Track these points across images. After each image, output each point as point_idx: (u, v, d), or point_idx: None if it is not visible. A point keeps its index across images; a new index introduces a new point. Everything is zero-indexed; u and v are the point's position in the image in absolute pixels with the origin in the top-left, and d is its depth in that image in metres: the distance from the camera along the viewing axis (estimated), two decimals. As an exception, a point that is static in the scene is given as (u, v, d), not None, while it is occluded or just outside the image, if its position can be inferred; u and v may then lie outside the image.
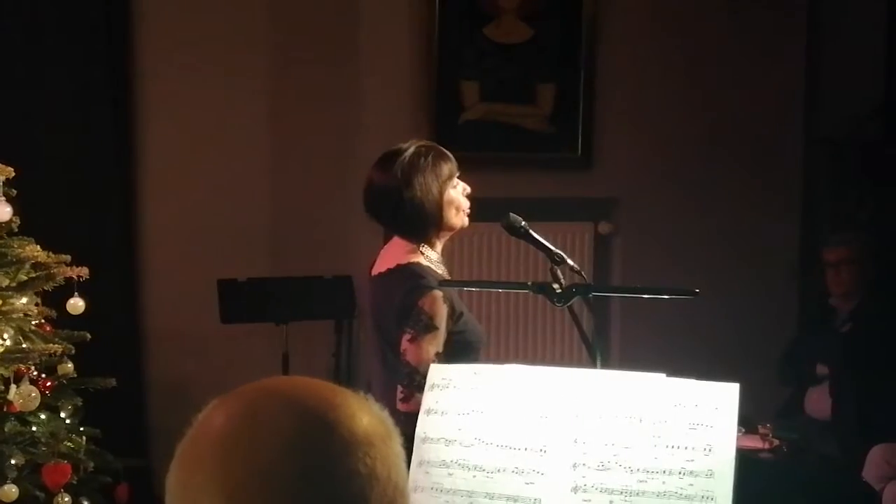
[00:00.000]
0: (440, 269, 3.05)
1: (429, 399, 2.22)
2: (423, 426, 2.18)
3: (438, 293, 2.90)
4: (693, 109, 5.37)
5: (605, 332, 5.26)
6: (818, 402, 4.64)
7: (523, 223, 2.88)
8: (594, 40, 5.23)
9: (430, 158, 3.01)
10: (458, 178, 3.07)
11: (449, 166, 3.04)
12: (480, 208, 3.15)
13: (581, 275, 2.76)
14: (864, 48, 5.50)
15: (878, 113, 5.39)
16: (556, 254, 2.73)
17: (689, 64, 5.36)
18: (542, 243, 2.80)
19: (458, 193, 3.05)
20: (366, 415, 1.13)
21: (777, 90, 5.45)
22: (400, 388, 2.89)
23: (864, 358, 4.46)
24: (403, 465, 1.15)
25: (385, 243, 3.20)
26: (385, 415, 1.16)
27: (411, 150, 3.02)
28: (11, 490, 3.25)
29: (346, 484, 1.07)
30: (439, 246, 3.11)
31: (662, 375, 2.10)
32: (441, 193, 3.00)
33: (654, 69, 5.33)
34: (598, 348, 2.54)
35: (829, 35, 5.50)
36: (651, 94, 5.34)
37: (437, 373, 2.26)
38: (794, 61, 5.46)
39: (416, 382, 2.83)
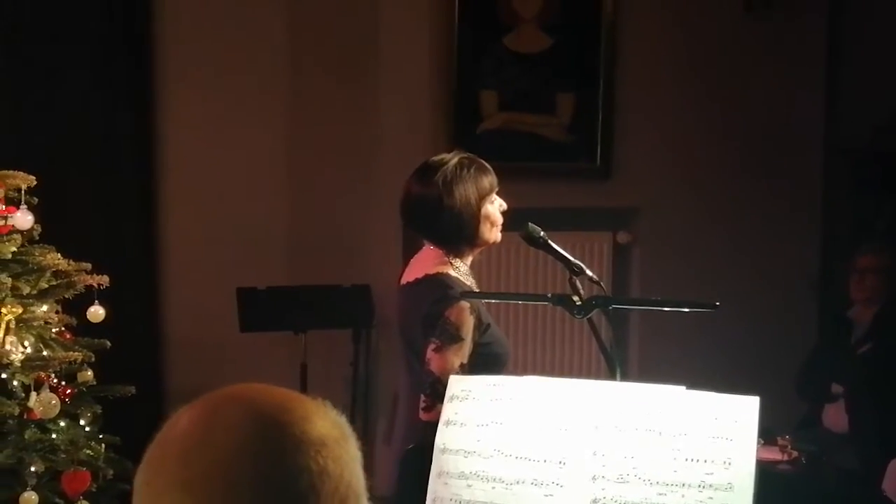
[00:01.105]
0: (469, 281, 3.05)
1: (448, 410, 2.22)
2: (443, 437, 2.18)
3: (466, 304, 2.90)
4: (712, 119, 5.36)
5: (623, 344, 5.25)
6: (835, 417, 4.62)
7: (542, 233, 2.88)
8: (613, 50, 5.23)
9: (472, 171, 3.02)
10: (497, 193, 3.08)
11: (490, 180, 3.05)
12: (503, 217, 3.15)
13: (600, 285, 2.76)
14: (883, 58, 5.48)
15: (897, 123, 5.37)
16: (575, 264, 2.73)
17: (708, 73, 5.35)
18: (560, 254, 2.80)
19: (494, 209, 3.06)
20: (320, 419, 1.19)
21: (797, 100, 5.44)
22: (423, 398, 2.88)
23: (883, 378, 4.44)
24: (359, 466, 1.20)
25: (405, 253, 3.20)
26: (342, 420, 1.22)
27: (454, 160, 3.02)
28: (31, 497, 3.26)
29: (297, 479, 1.13)
30: (469, 259, 3.11)
31: (682, 388, 2.09)
32: (479, 207, 3.01)
33: (672, 79, 5.32)
34: (616, 360, 2.53)
35: (849, 46, 5.49)
36: (670, 103, 5.34)
37: (457, 384, 2.25)
38: (814, 71, 5.44)
39: (439, 392, 2.82)
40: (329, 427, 1.18)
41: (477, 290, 3.09)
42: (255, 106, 5.04)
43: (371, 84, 5.08)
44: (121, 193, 4.94)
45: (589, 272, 2.73)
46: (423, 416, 2.86)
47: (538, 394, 2.16)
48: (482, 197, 3.02)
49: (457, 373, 2.84)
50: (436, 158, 3.05)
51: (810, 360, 4.90)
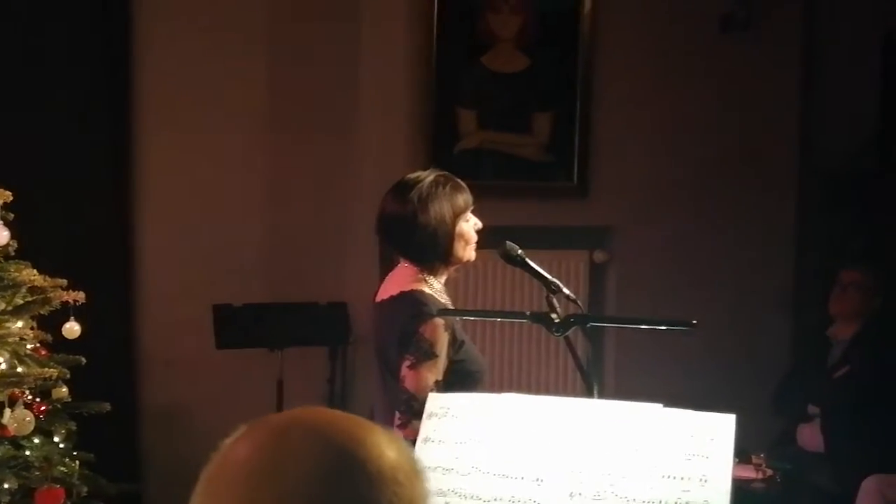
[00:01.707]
0: (443, 299, 3.06)
1: (426, 428, 2.22)
2: (421, 455, 2.18)
3: (440, 321, 2.91)
4: (689, 140, 5.40)
5: (600, 362, 5.26)
6: (810, 436, 4.64)
7: (520, 251, 2.89)
8: (590, 70, 5.26)
9: (447, 188, 3.03)
10: (472, 212, 3.09)
11: (465, 198, 3.06)
12: (478, 238, 3.16)
13: (577, 303, 2.77)
14: (857, 80, 5.54)
15: (871, 145, 5.42)
16: (552, 282, 2.74)
17: (684, 93, 5.39)
18: (538, 272, 2.81)
19: (469, 227, 3.07)
20: (394, 452, 1.13)
21: (772, 121, 5.49)
22: (398, 415, 2.89)
23: (860, 402, 4.47)
24: (428, 502, 1.15)
25: (381, 271, 3.21)
26: (413, 453, 1.17)
27: (430, 178, 3.04)
28: (5, 515, 3.24)
29: None
30: (444, 277, 3.12)
31: (659, 405, 2.11)
32: (454, 225, 3.02)
33: (649, 99, 5.36)
34: (593, 378, 2.54)
35: (824, 67, 5.54)
36: (647, 123, 5.37)
37: (435, 402, 2.26)
38: (789, 92, 5.49)
39: (413, 409, 2.83)
40: (403, 462, 1.12)
41: (453, 308, 3.10)
42: (232, 122, 5.03)
43: (349, 102, 5.09)
44: (97, 209, 4.92)
45: (566, 290, 2.74)
46: (398, 432, 2.86)
47: (516, 411, 2.17)
48: (457, 215, 3.03)
49: (432, 389, 2.84)
50: (411, 176, 3.07)
51: (787, 378, 4.93)
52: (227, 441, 1.14)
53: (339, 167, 5.09)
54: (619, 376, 5.28)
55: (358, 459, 1.09)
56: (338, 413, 1.17)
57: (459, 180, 3.10)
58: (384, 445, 1.12)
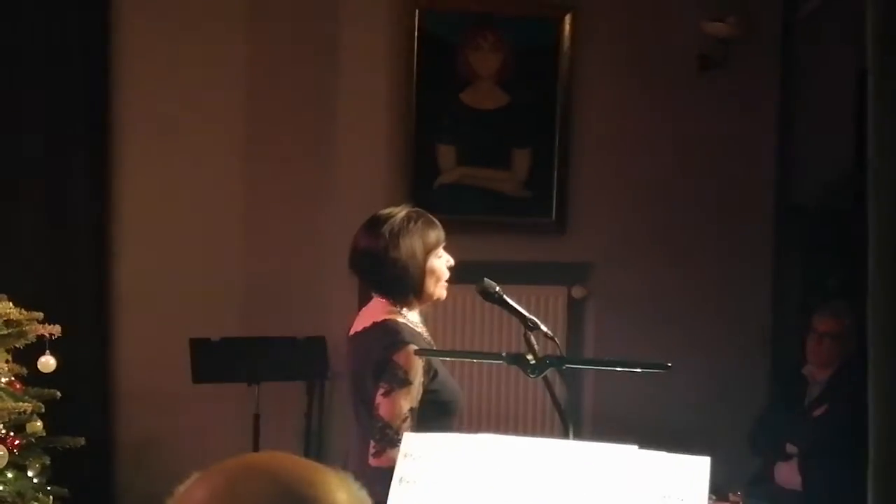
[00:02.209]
0: (419, 328, 3.08)
1: (401, 468, 2.22)
2: (397, 495, 2.17)
3: (413, 347, 2.92)
4: (667, 176, 5.43)
5: (577, 401, 5.26)
6: (788, 474, 4.64)
7: (497, 289, 2.90)
8: (569, 107, 5.29)
9: (419, 224, 3.05)
10: (445, 249, 3.10)
11: (437, 234, 3.07)
12: (455, 271, 3.17)
13: (555, 341, 2.78)
14: (834, 119, 5.59)
15: (847, 183, 5.46)
16: (530, 320, 2.75)
17: (663, 131, 5.42)
18: (516, 309, 2.82)
19: (441, 264, 3.08)
20: (344, 493, 1.15)
21: (749, 159, 5.52)
22: (372, 444, 2.88)
23: (838, 442, 4.46)
24: None
25: (360, 305, 3.21)
26: (364, 494, 1.18)
27: (402, 213, 3.06)
28: (-24, 551, 3.21)
29: None
30: (416, 312, 3.13)
31: (635, 447, 2.11)
32: (425, 260, 3.03)
33: (628, 136, 5.39)
34: (569, 418, 2.54)
35: (801, 106, 5.59)
36: (625, 160, 5.40)
37: (411, 442, 2.26)
38: (766, 130, 5.54)
39: (388, 437, 2.83)
40: (353, 502, 1.15)
41: (428, 336, 3.11)
42: (210, 157, 5.03)
43: (328, 137, 5.10)
44: (74, 243, 4.90)
45: (543, 328, 2.75)
46: (372, 461, 2.86)
47: (492, 452, 2.16)
48: (428, 251, 3.04)
49: (406, 417, 2.85)
50: (384, 211, 3.08)
51: (764, 418, 4.93)
52: (181, 487, 1.16)
53: (319, 201, 5.09)
54: (596, 415, 5.28)
55: (308, 500, 1.11)
56: (290, 457, 1.19)
57: (432, 216, 3.11)
58: (335, 488, 1.14)
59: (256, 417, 4.78)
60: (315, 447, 5.02)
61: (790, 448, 4.67)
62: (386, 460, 2.75)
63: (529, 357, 2.55)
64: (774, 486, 4.69)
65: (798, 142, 5.59)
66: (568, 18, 5.24)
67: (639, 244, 5.40)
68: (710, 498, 2.08)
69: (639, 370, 2.61)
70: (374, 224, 3.05)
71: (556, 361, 2.55)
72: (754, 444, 4.87)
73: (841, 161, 5.56)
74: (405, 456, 2.22)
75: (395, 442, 2.72)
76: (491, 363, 5.12)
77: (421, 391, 2.94)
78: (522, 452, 2.15)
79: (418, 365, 2.93)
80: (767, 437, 4.79)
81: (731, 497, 4.16)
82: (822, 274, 5.41)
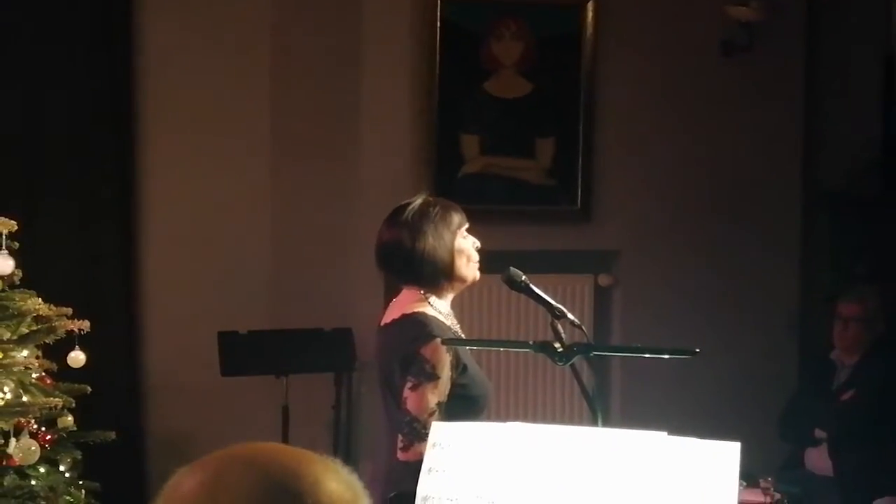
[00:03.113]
0: (449, 321, 3.06)
1: (430, 458, 2.22)
2: (425, 485, 2.18)
3: (440, 339, 2.91)
4: (692, 162, 5.40)
5: (605, 389, 5.25)
6: (818, 460, 4.63)
7: (523, 277, 2.89)
8: (592, 94, 5.27)
9: (438, 208, 3.05)
10: (471, 233, 3.10)
11: (458, 215, 3.07)
12: (480, 261, 3.16)
13: (582, 329, 2.77)
14: (861, 102, 5.55)
15: (875, 167, 5.42)
16: (557, 308, 2.73)
17: (688, 117, 5.39)
18: (542, 298, 2.81)
19: (468, 244, 3.08)
20: (331, 481, 1.14)
21: (775, 143, 5.49)
22: (400, 437, 2.88)
23: (867, 426, 4.45)
24: None
25: (386, 296, 3.21)
26: (353, 479, 1.18)
27: (419, 201, 3.06)
28: (10, 545, 3.24)
29: None
30: (450, 297, 3.12)
31: (664, 434, 2.10)
32: (451, 242, 3.03)
33: (652, 123, 5.37)
34: (598, 405, 2.53)
35: (827, 90, 5.55)
36: (650, 147, 5.37)
37: (439, 432, 2.25)
38: (792, 115, 5.50)
39: (416, 431, 2.83)
40: (342, 490, 1.15)
41: (458, 329, 3.10)
42: (235, 151, 5.04)
43: (352, 129, 5.10)
44: (102, 237, 4.93)
45: (570, 316, 2.74)
46: (400, 455, 2.86)
47: (520, 440, 2.16)
48: (452, 232, 3.04)
49: (434, 411, 2.85)
50: (402, 203, 3.08)
51: (792, 404, 4.91)
52: (171, 480, 1.17)
53: (343, 193, 5.10)
54: (624, 403, 5.27)
55: (294, 492, 1.11)
56: (277, 447, 1.20)
57: (450, 201, 3.12)
58: (321, 475, 1.14)
59: (285, 409, 4.80)
60: (343, 439, 5.03)
61: (819, 433, 4.65)
62: (413, 454, 2.76)
63: (557, 345, 2.54)
64: (805, 471, 4.68)
65: (824, 127, 5.55)
66: (590, 5, 5.22)
67: (665, 231, 5.38)
68: (740, 484, 2.07)
69: (666, 356, 2.60)
70: (394, 217, 3.06)
71: (584, 349, 2.54)
72: (783, 431, 4.85)
73: (868, 146, 5.52)
74: (433, 446, 2.22)
75: (422, 436, 2.71)
76: (518, 352, 5.11)
77: (449, 385, 2.93)
78: (551, 440, 2.14)
79: (446, 359, 2.92)
80: (796, 422, 4.77)
81: (762, 483, 4.16)
82: (850, 260, 5.38)
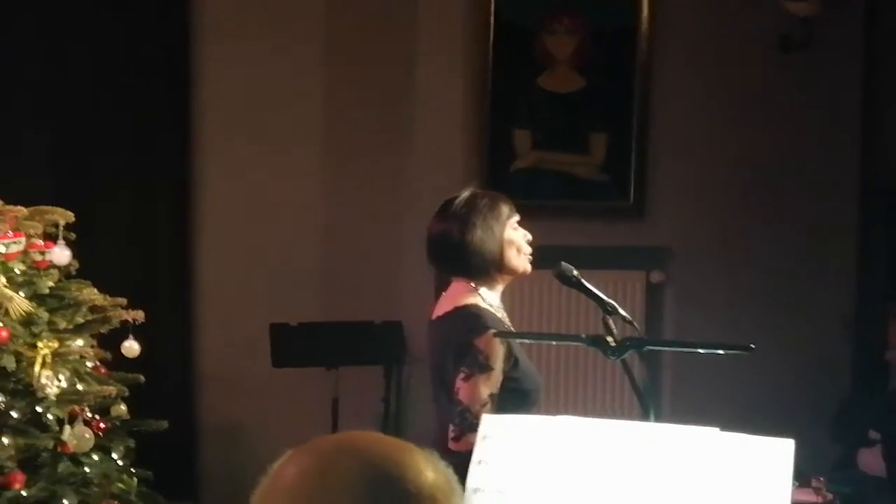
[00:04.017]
0: (500, 314, 3.06)
1: (481, 450, 2.21)
2: (475, 477, 2.17)
3: (493, 331, 2.90)
4: (747, 160, 5.34)
5: (657, 384, 5.21)
6: (871, 460, 4.57)
7: (575, 272, 2.87)
8: (647, 90, 5.24)
9: (486, 200, 3.05)
10: (526, 227, 3.10)
11: (506, 206, 3.07)
12: (532, 256, 3.16)
13: (634, 325, 2.75)
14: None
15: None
16: (609, 304, 2.71)
17: (743, 113, 5.33)
18: (593, 293, 2.79)
19: (518, 235, 3.07)
20: (431, 472, 1.19)
21: (832, 140, 5.41)
22: (452, 428, 2.88)
23: None
24: None
25: (436, 289, 3.21)
26: (450, 472, 1.22)
27: (467, 193, 3.07)
28: (64, 531, 3.27)
29: None
30: (500, 289, 3.11)
31: (716, 429, 2.08)
32: (501, 233, 3.02)
33: (706, 119, 5.32)
34: (650, 401, 2.52)
35: (885, 86, 5.46)
36: (703, 143, 5.32)
37: (490, 424, 2.25)
38: (850, 112, 5.41)
39: (467, 421, 2.82)
40: (441, 482, 1.19)
41: (508, 322, 3.10)
42: (290, 144, 5.08)
43: (405, 123, 5.11)
44: (156, 229, 4.99)
45: (622, 312, 2.72)
46: (452, 445, 2.85)
47: (571, 434, 2.15)
48: (502, 223, 3.03)
49: (486, 402, 2.84)
50: (451, 198, 3.09)
51: (846, 405, 4.85)
52: (275, 465, 1.20)
53: (395, 186, 5.11)
54: (675, 399, 5.23)
55: (397, 481, 1.15)
56: (380, 437, 1.24)
57: (498, 193, 3.12)
58: (423, 466, 1.18)
59: (335, 402, 4.82)
60: (393, 432, 5.04)
61: (873, 434, 4.60)
62: (465, 444, 2.75)
63: (609, 339, 2.52)
64: (857, 472, 4.62)
65: (883, 124, 5.47)
66: (645, 0, 5.19)
67: (718, 229, 5.32)
68: (792, 483, 2.04)
69: (721, 352, 2.57)
70: (444, 210, 3.06)
71: (637, 343, 2.52)
72: (836, 431, 4.80)
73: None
74: (484, 438, 2.22)
75: (474, 427, 2.70)
76: (569, 347, 5.09)
77: (501, 378, 2.93)
78: (602, 434, 2.13)
79: (499, 351, 2.92)
80: (850, 423, 4.72)
81: (814, 483, 4.11)
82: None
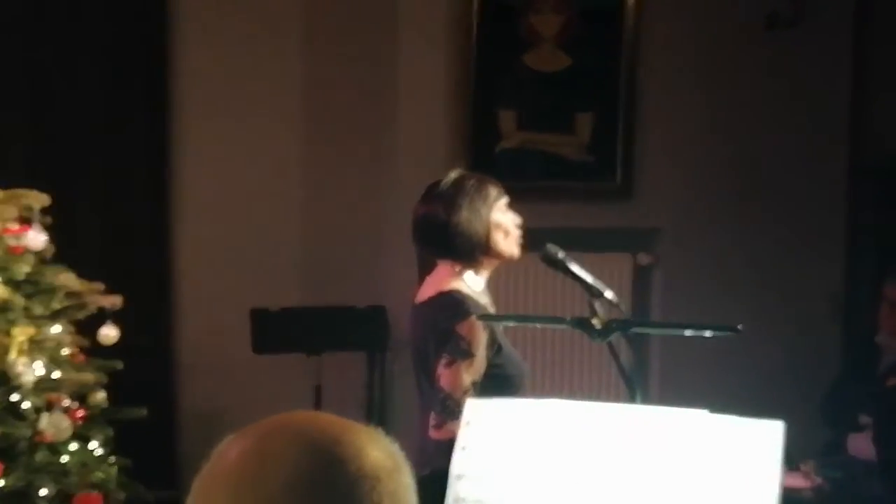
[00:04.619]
0: (484, 300, 3.02)
1: (464, 435, 2.17)
2: (459, 463, 2.13)
3: (476, 316, 2.87)
4: (735, 139, 5.31)
5: (644, 367, 5.18)
6: (861, 445, 4.54)
7: (561, 254, 2.83)
8: (633, 69, 5.19)
9: (474, 181, 3.03)
10: (514, 209, 3.06)
11: (494, 189, 3.04)
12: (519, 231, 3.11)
13: (619, 308, 2.70)
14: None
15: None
16: (595, 286, 2.67)
17: (730, 92, 5.30)
18: (579, 275, 2.75)
19: (506, 219, 3.03)
20: (374, 449, 1.16)
21: (820, 120, 5.38)
22: (433, 415, 2.86)
23: None
24: (412, 496, 1.18)
25: (420, 273, 3.16)
26: (395, 448, 1.20)
27: (455, 175, 3.04)
28: (41, 521, 3.23)
29: None
30: (485, 274, 3.07)
31: (705, 412, 2.04)
32: (487, 215, 2.98)
33: (694, 98, 5.28)
34: (636, 384, 2.48)
35: (874, 65, 5.43)
36: (691, 124, 5.29)
37: (474, 409, 2.20)
38: (838, 91, 5.38)
39: (449, 409, 2.79)
40: (383, 458, 1.17)
41: (492, 308, 3.06)
42: (269, 126, 5.04)
43: (388, 103, 5.06)
44: (134, 214, 4.96)
45: (609, 294, 2.67)
46: (433, 433, 2.83)
47: (557, 417, 2.11)
48: (488, 205, 2.99)
49: (468, 389, 2.82)
50: (437, 180, 3.06)
51: (835, 388, 4.83)
52: (217, 448, 1.19)
53: (378, 168, 5.07)
54: (663, 382, 5.21)
55: (337, 460, 1.13)
56: (321, 416, 1.22)
57: (486, 175, 3.09)
58: (364, 444, 1.16)
59: (318, 388, 4.78)
60: (376, 418, 5.00)
61: (863, 419, 4.57)
62: (447, 432, 2.72)
63: (594, 321, 2.48)
64: (847, 456, 4.60)
65: (872, 104, 5.43)
66: (632, -22, 5.14)
67: (706, 209, 5.29)
68: (782, 468, 2.01)
69: (708, 334, 2.53)
70: (429, 191, 3.04)
71: (622, 325, 2.48)
72: (826, 415, 4.78)
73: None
74: (468, 424, 2.17)
75: (455, 414, 2.67)
76: (554, 331, 5.06)
77: (484, 365, 2.90)
78: (589, 417, 2.09)
79: (482, 337, 2.89)
80: (840, 407, 4.69)
81: (803, 467, 4.10)
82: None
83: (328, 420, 1.20)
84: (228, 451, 1.17)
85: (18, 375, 3.28)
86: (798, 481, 4.08)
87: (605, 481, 2.01)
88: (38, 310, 3.47)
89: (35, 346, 3.37)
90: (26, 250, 3.47)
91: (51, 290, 3.51)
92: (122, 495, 3.54)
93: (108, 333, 3.58)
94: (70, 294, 3.56)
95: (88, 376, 3.44)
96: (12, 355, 3.28)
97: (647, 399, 2.51)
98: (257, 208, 5.05)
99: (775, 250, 5.35)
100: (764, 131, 5.33)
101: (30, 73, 4.82)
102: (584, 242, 4.64)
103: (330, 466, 1.12)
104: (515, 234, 3.06)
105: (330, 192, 5.11)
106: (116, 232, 4.90)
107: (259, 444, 1.16)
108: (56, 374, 3.41)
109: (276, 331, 4.78)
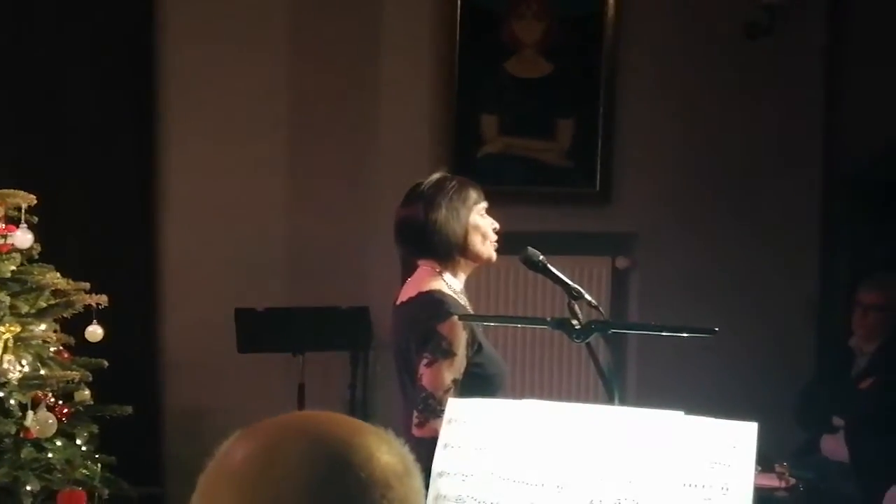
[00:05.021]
0: (462, 300, 3.07)
1: (446, 434, 2.21)
2: (440, 461, 2.17)
3: (457, 316, 2.92)
4: (712, 145, 5.37)
5: (622, 369, 5.23)
6: (834, 446, 4.60)
7: (541, 257, 2.88)
8: (613, 76, 5.25)
9: (454, 184, 3.08)
10: (494, 215, 3.11)
11: (474, 192, 3.09)
12: (498, 242, 3.16)
13: (599, 310, 2.75)
14: (882, 87, 5.50)
15: (896, 151, 5.38)
16: (574, 288, 2.72)
17: (709, 100, 5.36)
18: (559, 278, 2.79)
19: (485, 222, 3.08)
20: (384, 454, 1.13)
21: (796, 127, 5.45)
22: (415, 414, 2.89)
23: (886, 415, 4.42)
24: (422, 501, 1.15)
25: (403, 276, 3.21)
26: (405, 451, 1.17)
27: (437, 176, 3.09)
28: (27, 517, 3.25)
29: None
30: (463, 276, 3.12)
31: (680, 413, 2.09)
32: (466, 217, 3.03)
33: (673, 105, 5.34)
34: (614, 385, 2.52)
35: (849, 74, 5.50)
36: (670, 130, 5.35)
37: (455, 408, 2.25)
38: (813, 99, 5.46)
39: (431, 407, 2.83)
40: (394, 463, 1.13)
41: (471, 308, 3.11)
42: (254, 128, 5.05)
43: (371, 107, 5.09)
44: (120, 213, 4.95)
45: (588, 296, 2.72)
46: (415, 432, 2.86)
47: (536, 417, 2.15)
48: (468, 208, 3.04)
49: (449, 388, 2.85)
50: (419, 181, 3.10)
51: (809, 390, 4.88)
52: (223, 446, 1.16)
53: (361, 172, 5.10)
54: (640, 383, 5.26)
55: (348, 464, 1.10)
56: (331, 417, 1.18)
57: (467, 178, 3.14)
58: (374, 448, 1.13)
59: (301, 387, 4.81)
60: (359, 417, 5.02)
61: (836, 421, 4.63)
62: (429, 431, 2.76)
63: (574, 322, 2.53)
64: (820, 457, 4.65)
65: (846, 110, 5.50)
66: (612, -14, 5.19)
67: (684, 214, 5.35)
68: (755, 468, 2.05)
69: (685, 335, 2.58)
70: (411, 193, 3.09)
71: (602, 326, 2.53)
72: (800, 417, 4.83)
73: (890, 130, 5.47)
74: (449, 422, 2.21)
75: (437, 413, 2.71)
76: (534, 331, 5.10)
77: (465, 364, 2.94)
78: (567, 417, 2.13)
79: (462, 336, 2.93)
80: (813, 408, 4.75)
81: (777, 468, 4.15)
82: (870, 245, 5.34)
83: (338, 421, 1.17)
84: (235, 450, 1.14)
85: (4, 372, 3.29)
86: (772, 482, 4.12)
87: (582, 481, 2.05)
88: (24, 308, 3.48)
89: (21, 344, 3.38)
90: (13, 249, 3.49)
91: (37, 289, 3.52)
92: (106, 492, 3.55)
93: (94, 331, 3.59)
94: (56, 292, 3.57)
95: (74, 374, 3.45)
96: (-1, 353, 3.30)
97: (625, 399, 2.56)
98: (242, 209, 5.07)
99: (751, 255, 5.41)
100: (741, 137, 5.39)
101: (16, 74, 4.81)
102: (563, 246, 4.70)
103: (340, 472, 1.09)
104: (492, 238, 3.11)
105: (314, 194, 5.13)
106: (103, 231, 4.89)
107: (266, 447, 1.12)
108: (42, 372, 3.41)
109: (260, 330, 4.80)
